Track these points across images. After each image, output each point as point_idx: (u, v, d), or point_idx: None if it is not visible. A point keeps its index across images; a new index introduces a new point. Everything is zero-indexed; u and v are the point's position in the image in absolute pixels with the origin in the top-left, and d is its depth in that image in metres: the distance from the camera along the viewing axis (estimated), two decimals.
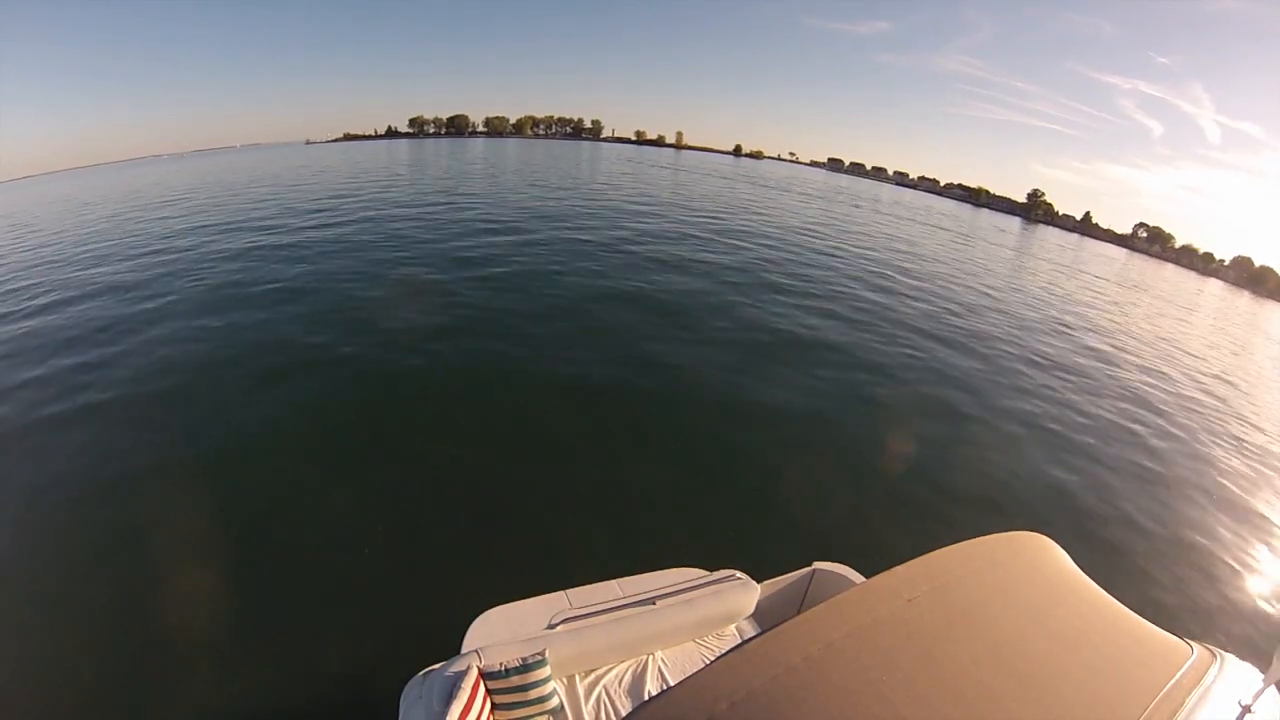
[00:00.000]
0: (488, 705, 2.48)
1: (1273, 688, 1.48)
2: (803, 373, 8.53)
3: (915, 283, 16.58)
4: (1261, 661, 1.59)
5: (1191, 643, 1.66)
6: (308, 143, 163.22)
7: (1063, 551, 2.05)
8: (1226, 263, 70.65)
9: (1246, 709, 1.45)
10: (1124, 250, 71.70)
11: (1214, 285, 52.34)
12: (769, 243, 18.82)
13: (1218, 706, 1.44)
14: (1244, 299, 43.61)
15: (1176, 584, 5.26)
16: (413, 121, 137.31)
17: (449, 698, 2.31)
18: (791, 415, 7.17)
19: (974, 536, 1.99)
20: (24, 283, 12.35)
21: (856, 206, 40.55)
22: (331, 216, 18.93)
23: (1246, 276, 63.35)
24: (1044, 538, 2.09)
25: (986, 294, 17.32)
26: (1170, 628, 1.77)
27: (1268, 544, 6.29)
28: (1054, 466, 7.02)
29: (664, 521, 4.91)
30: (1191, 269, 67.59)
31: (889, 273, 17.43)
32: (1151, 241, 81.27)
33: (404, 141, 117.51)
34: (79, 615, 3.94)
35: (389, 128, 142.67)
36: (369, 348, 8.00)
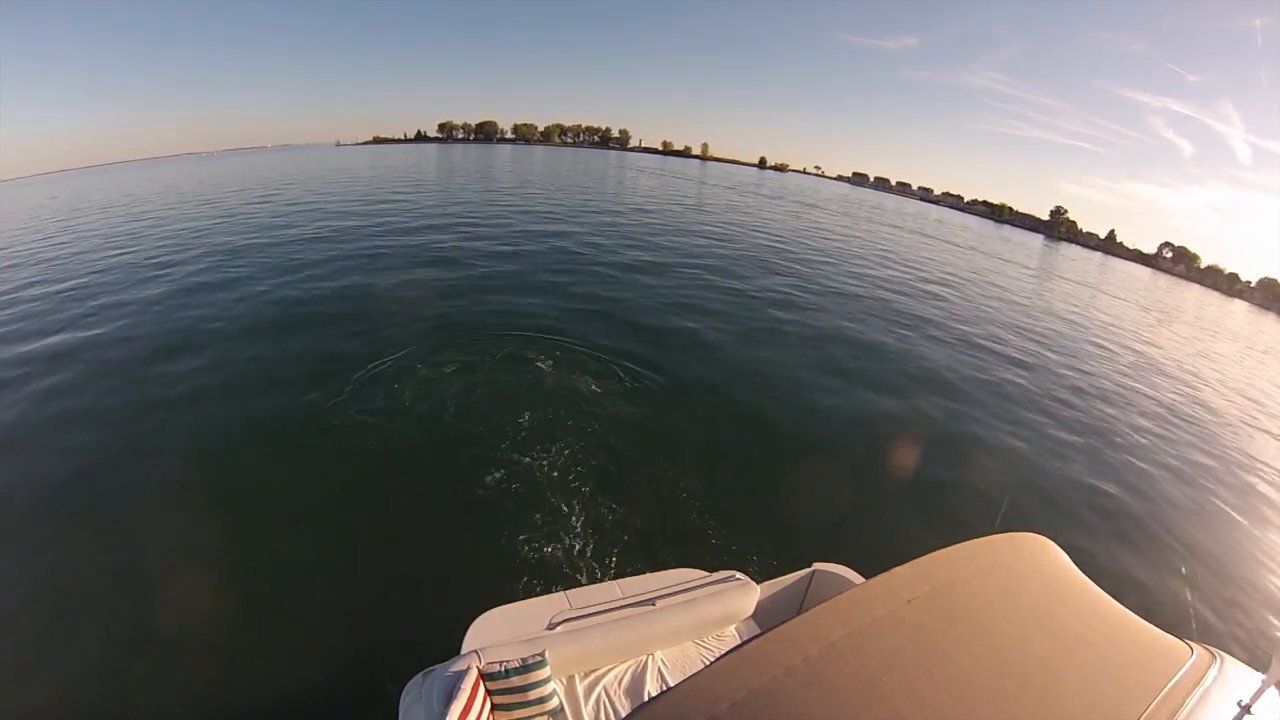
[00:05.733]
0: (487, 706, 2.47)
1: (1273, 688, 1.48)
2: (802, 372, 8.53)
3: (922, 286, 16.61)
4: (1261, 662, 1.59)
5: (1191, 643, 1.66)
6: (338, 144, 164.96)
7: (1062, 552, 2.05)
8: (1253, 284, 69.47)
9: (1246, 709, 1.45)
10: (1148, 270, 70.88)
11: (1239, 306, 51.31)
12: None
13: (1218, 707, 1.44)
14: (1269, 320, 42.25)
15: (1182, 583, 5.27)
16: (442, 127, 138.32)
17: (449, 698, 2.31)
18: (792, 415, 7.17)
19: (975, 537, 1.99)
20: None
21: (891, 225, 38.95)
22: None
23: (1273, 298, 61.94)
24: (1044, 538, 2.09)
25: (988, 298, 17.35)
26: (1170, 628, 1.77)
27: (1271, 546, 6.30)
28: (1056, 468, 7.03)
29: (664, 522, 4.91)
30: (1216, 289, 66.43)
31: (901, 278, 17.45)
32: (1176, 261, 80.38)
33: (433, 146, 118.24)
34: (79, 613, 3.94)
35: (419, 132, 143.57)
36: (363, 356, 8.00)
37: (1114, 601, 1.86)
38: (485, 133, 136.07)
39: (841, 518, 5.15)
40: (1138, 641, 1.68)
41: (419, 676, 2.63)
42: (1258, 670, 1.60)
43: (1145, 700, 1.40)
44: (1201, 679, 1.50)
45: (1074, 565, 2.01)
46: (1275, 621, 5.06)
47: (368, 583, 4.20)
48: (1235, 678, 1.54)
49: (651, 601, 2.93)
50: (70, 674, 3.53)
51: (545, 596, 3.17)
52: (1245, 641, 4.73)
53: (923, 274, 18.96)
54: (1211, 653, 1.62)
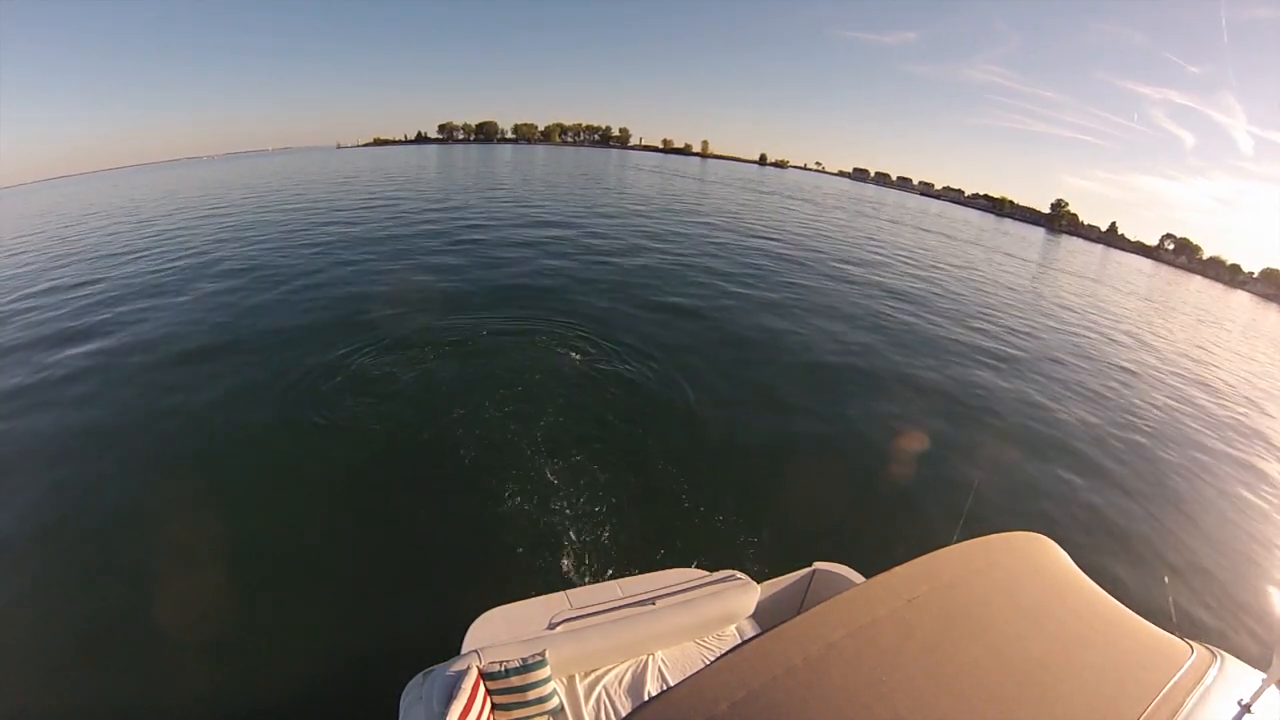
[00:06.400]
0: (488, 705, 2.47)
1: (1273, 687, 1.48)
2: (803, 371, 8.53)
3: (922, 278, 16.60)
4: (1261, 661, 1.59)
5: (1191, 643, 1.66)
6: (339, 146, 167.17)
7: (1063, 551, 2.05)
8: (1255, 275, 69.32)
9: (1246, 709, 1.45)
10: (1150, 261, 70.53)
11: (1241, 297, 50.74)
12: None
13: (1218, 706, 1.44)
14: (1273, 312, 41.47)
15: (1178, 579, 5.26)
16: (442, 127, 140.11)
17: (449, 698, 2.31)
18: (792, 415, 7.16)
19: (975, 537, 1.99)
20: None
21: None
22: None
23: (1275, 289, 61.19)
24: (1044, 538, 2.09)
25: (987, 292, 17.34)
26: (1171, 627, 1.77)
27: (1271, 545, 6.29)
28: (1057, 467, 7.02)
29: (664, 521, 4.90)
30: (1218, 281, 65.70)
31: (907, 280, 17.44)
32: (1178, 253, 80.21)
33: (434, 147, 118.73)
34: (80, 613, 3.95)
35: (419, 133, 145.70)
36: (359, 355, 7.99)
37: (1114, 601, 1.86)
38: (485, 133, 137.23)
39: (842, 517, 5.15)
40: (1138, 641, 1.68)
41: (419, 676, 2.63)
42: (1258, 669, 1.60)
43: (1145, 700, 1.40)
44: (1202, 678, 1.50)
45: (1074, 564, 2.01)
46: (1275, 620, 5.05)
47: (368, 583, 4.20)
48: (1235, 677, 1.54)
49: (651, 601, 2.93)
50: (70, 674, 3.53)
51: (545, 596, 3.16)
52: (1244, 640, 4.73)
53: (919, 265, 18.95)
54: (1212, 652, 1.62)
